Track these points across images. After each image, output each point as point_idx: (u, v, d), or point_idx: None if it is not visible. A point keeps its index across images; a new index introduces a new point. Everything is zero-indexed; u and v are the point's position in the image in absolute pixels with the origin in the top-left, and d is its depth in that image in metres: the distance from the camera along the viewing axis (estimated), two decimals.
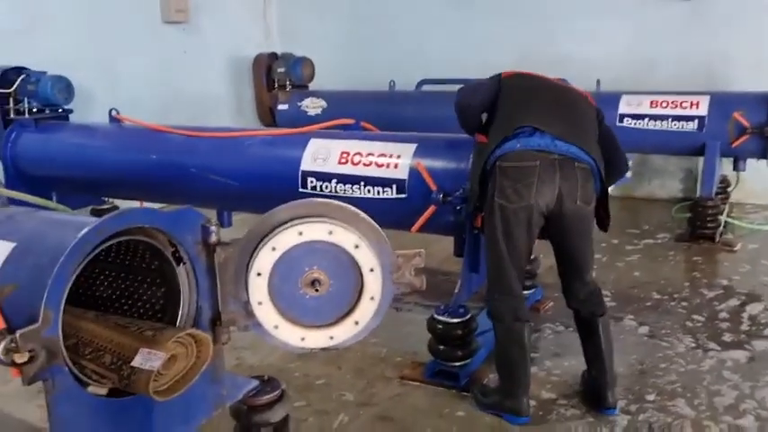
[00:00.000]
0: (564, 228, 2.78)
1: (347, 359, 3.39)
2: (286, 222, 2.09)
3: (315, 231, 2.07)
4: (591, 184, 2.75)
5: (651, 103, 5.31)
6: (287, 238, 2.06)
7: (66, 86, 4.90)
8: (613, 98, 5.44)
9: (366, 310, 2.15)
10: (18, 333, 1.66)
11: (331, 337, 2.17)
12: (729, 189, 5.66)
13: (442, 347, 3.12)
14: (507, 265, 2.77)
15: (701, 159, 5.86)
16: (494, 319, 2.86)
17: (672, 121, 5.21)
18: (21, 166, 4.68)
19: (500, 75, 3.10)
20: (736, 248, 4.96)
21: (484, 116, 3.05)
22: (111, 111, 4.61)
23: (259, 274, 2.07)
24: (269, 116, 7.09)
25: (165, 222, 2.02)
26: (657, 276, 4.47)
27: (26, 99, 4.84)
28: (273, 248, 2.07)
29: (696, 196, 5.59)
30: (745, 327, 3.68)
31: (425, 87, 6.64)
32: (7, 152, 4.75)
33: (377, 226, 2.15)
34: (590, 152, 2.74)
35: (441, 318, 3.11)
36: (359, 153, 3.53)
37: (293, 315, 2.13)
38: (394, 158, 3.42)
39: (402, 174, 3.36)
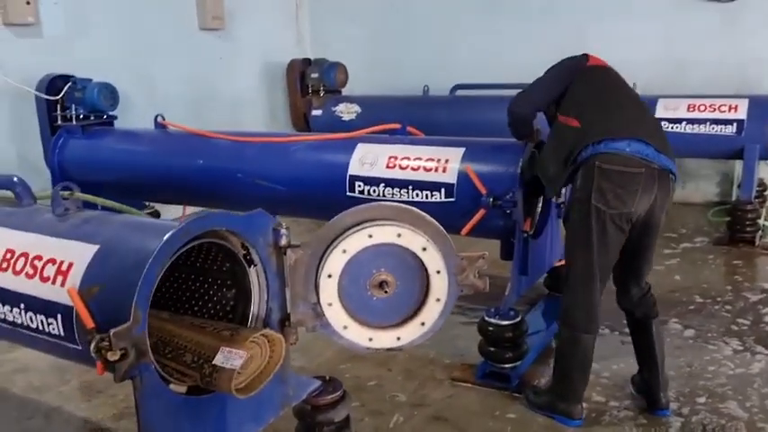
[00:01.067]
0: (643, 235, 2.79)
1: (397, 361, 3.44)
2: (355, 225, 2.15)
3: (384, 234, 2.13)
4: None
5: (689, 106, 5.31)
6: (357, 241, 2.13)
7: (111, 93, 4.99)
8: (650, 102, 5.40)
9: (432, 311, 2.21)
10: (112, 332, 1.73)
11: (398, 338, 2.23)
12: (767, 193, 5.64)
13: (492, 349, 3.16)
14: (595, 271, 2.73)
15: (736, 163, 5.89)
16: (564, 324, 2.83)
17: (710, 124, 5.20)
18: (67, 172, 4.77)
19: (585, 57, 3.06)
20: None
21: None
22: (156, 117, 4.71)
23: (330, 276, 2.14)
24: (302, 121, 7.16)
25: (239, 225, 2.09)
26: (698, 280, 4.46)
27: (73, 106, 4.94)
28: (344, 251, 2.13)
29: (732, 200, 5.61)
30: None
31: (459, 92, 6.67)
32: (55, 158, 4.87)
33: (442, 229, 2.21)
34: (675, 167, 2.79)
35: (491, 320, 3.15)
36: (406, 157, 3.58)
37: (361, 316, 2.20)
38: (442, 162, 3.47)
39: (451, 178, 3.41)
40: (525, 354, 3.20)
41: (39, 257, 2.08)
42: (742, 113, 5.12)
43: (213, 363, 1.93)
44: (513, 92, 6.61)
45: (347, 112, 6.80)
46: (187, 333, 2.08)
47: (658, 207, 2.73)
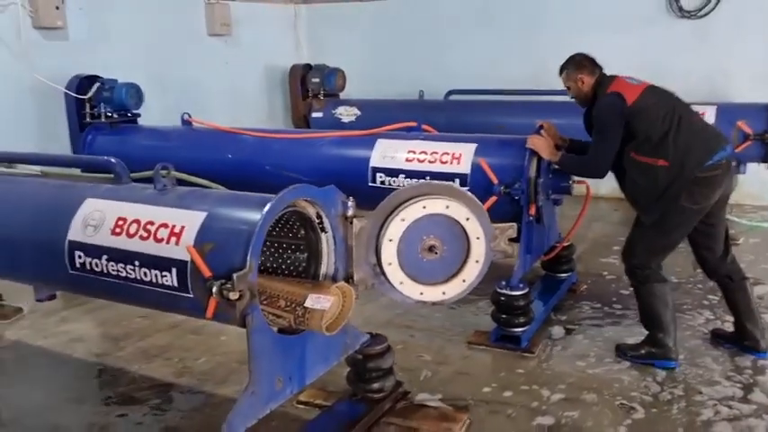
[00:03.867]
0: (718, 210, 3.39)
1: (417, 329, 3.92)
2: (411, 199, 2.62)
3: (436, 206, 2.62)
4: None
5: None
6: (413, 211, 2.61)
7: (137, 92, 5.39)
8: None
9: (472, 271, 2.70)
10: (235, 276, 2.17)
11: (443, 293, 2.71)
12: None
13: (504, 316, 3.65)
14: (666, 251, 3.44)
15: None
16: (640, 283, 3.41)
17: None
18: None
19: (620, 100, 3.35)
20: (739, 242, 5.54)
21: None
22: (183, 114, 5.11)
23: (390, 240, 2.61)
24: (303, 123, 7.59)
25: (319, 196, 2.54)
26: (673, 264, 5.00)
27: (102, 104, 5.31)
28: (403, 219, 2.61)
29: None
30: None
31: (453, 97, 7.19)
32: (84, 153, 5.23)
33: (481, 204, 2.70)
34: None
35: (503, 291, 3.64)
36: (424, 151, 4.06)
37: (414, 274, 2.68)
38: (456, 156, 3.96)
39: (465, 169, 3.90)
40: (533, 319, 3.70)
41: (151, 223, 2.50)
42: (710, 118, 5.69)
43: (305, 305, 2.38)
44: (504, 98, 7.15)
45: (347, 114, 7.25)
46: (277, 285, 2.53)
47: (728, 188, 3.36)
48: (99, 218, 2.63)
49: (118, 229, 2.56)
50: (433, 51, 7.94)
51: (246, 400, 2.31)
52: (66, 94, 5.30)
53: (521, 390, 3.26)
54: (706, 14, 6.77)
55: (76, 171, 3.80)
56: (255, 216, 2.30)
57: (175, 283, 2.41)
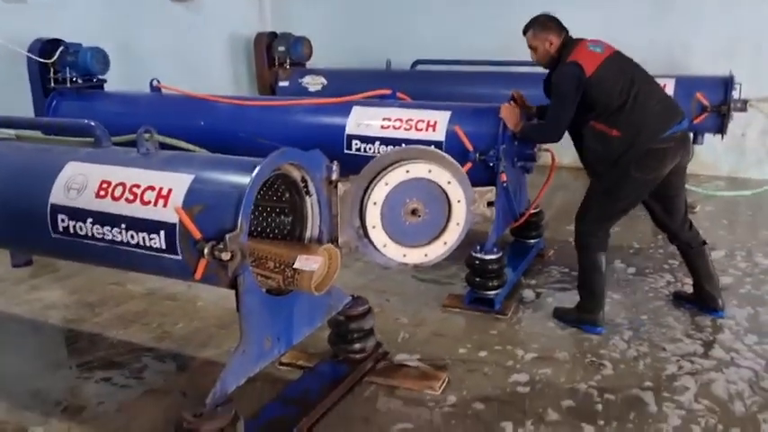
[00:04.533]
0: (673, 180, 3.49)
1: (393, 294, 4.01)
2: (395, 163, 2.68)
3: (418, 170, 2.68)
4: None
5: None
6: (397, 175, 2.67)
7: (103, 57, 5.27)
8: None
9: (453, 233, 2.78)
10: (228, 236, 2.21)
11: (425, 255, 2.79)
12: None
13: (478, 279, 3.76)
14: (615, 218, 3.58)
15: None
16: (583, 249, 3.55)
17: None
18: None
19: (579, 70, 3.38)
20: (696, 210, 5.77)
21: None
22: (152, 81, 5.04)
23: (374, 204, 2.67)
24: (269, 91, 7.53)
25: (304, 160, 2.58)
26: (635, 231, 5.21)
27: (66, 69, 5.19)
28: (386, 183, 2.67)
29: None
30: None
31: (419, 67, 7.22)
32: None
33: (461, 167, 2.77)
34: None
35: (478, 255, 3.74)
36: (399, 119, 4.11)
37: (397, 237, 2.75)
38: (431, 123, 4.02)
39: (440, 136, 3.96)
40: (506, 282, 3.82)
41: (137, 186, 2.49)
42: (669, 90, 5.86)
43: (294, 267, 2.42)
44: (470, 68, 7.21)
45: (313, 83, 7.21)
46: (265, 247, 2.56)
47: (683, 159, 3.47)
48: (82, 181, 2.61)
49: (102, 192, 2.55)
50: (400, 21, 7.94)
51: (238, 359, 2.36)
52: (28, 58, 5.16)
53: (495, 350, 3.37)
54: None
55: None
56: (245, 178, 2.32)
57: (163, 246, 2.43)
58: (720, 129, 5.74)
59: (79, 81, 5.31)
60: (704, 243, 3.76)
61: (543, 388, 3.02)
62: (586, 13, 7.04)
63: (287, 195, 2.73)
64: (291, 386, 2.92)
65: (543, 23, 3.71)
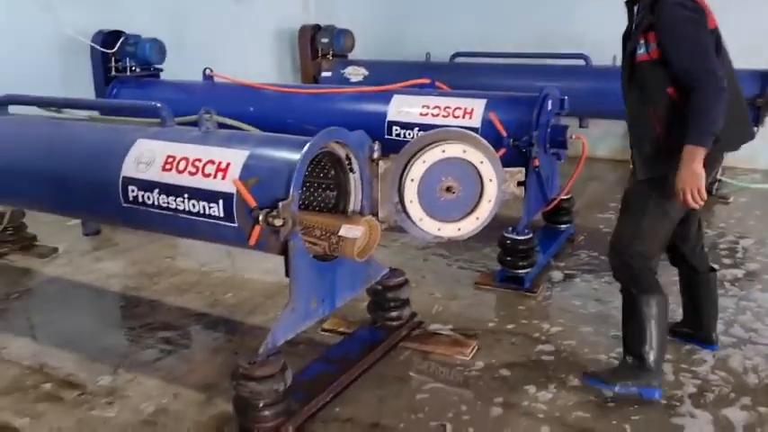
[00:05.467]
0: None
1: (429, 272, 4.25)
2: (432, 143, 2.91)
3: (454, 150, 2.90)
4: None
5: None
6: (434, 154, 2.89)
7: (160, 48, 5.61)
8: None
9: (485, 210, 3.00)
10: (281, 204, 2.47)
11: (459, 229, 3.02)
12: None
13: (509, 258, 3.97)
14: (664, 239, 2.88)
15: None
16: (639, 288, 2.85)
17: None
18: None
19: (705, 21, 2.63)
20: (729, 201, 5.87)
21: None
22: (205, 69, 5.36)
23: (412, 180, 2.91)
24: (312, 81, 7.79)
25: (349, 139, 2.83)
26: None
27: (127, 58, 5.54)
28: (424, 161, 2.90)
29: None
30: (739, 255, 4.61)
31: (458, 59, 7.42)
32: None
33: (493, 149, 2.99)
34: None
35: (510, 235, 3.96)
36: (437, 106, 4.34)
37: (432, 212, 2.98)
38: (468, 110, 4.24)
39: (476, 123, 4.18)
40: (535, 263, 4.02)
41: (198, 160, 2.78)
42: None
43: (339, 234, 2.68)
44: (507, 61, 7.37)
45: (355, 74, 7.47)
46: (312, 217, 2.83)
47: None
48: (150, 156, 2.91)
49: (168, 166, 2.85)
50: (440, 14, 8.14)
51: (287, 316, 2.63)
52: (91, 47, 5.53)
53: (522, 323, 3.59)
54: None
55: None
56: (296, 153, 2.59)
57: (221, 214, 2.70)
58: (755, 121, 5.82)
59: (137, 70, 5.66)
60: (713, 269, 3.24)
61: (567, 357, 3.23)
62: (620, 7, 7.16)
63: (332, 172, 2.98)
64: (334, 348, 3.18)
65: None
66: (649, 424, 2.71)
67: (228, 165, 2.72)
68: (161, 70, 5.76)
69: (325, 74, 7.67)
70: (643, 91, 2.75)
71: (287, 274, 2.76)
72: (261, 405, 2.48)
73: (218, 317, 3.68)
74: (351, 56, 8.00)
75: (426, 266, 4.35)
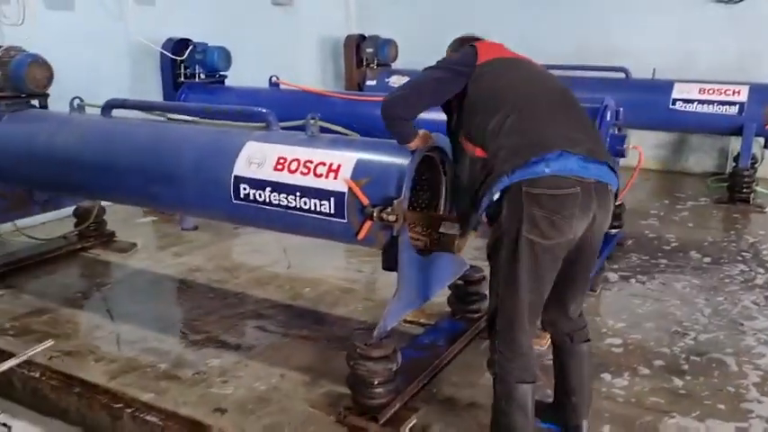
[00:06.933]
0: (575, 261, 2.41)
1: None
2: None
3: None
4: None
5: (700, 90, 6.44)
6: None
7: (226, 56, 5.93)
8: (667, 85, 6.58)
9: None
10: (395, 202, 2.75)
11: None
12: (757, 165, 6.81)
13: None
14: (524, 314, 2.34)
15: (731, 139, 7.13)
16: (496, 377, 2.43)
17: (717, 105, 6.34)
18: None
19: (473, 54, 2.63)
20: (766, 210, 6.12)
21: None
22: (271, 77, 5.66)
23: None
24: (357, 90, 8.11)
25: (444, 144, 3.09)
26: (708, 226, 5.62)
27: (195, 65, 5.85)
28: None
29: (727, 171, 6.81)
30: None
31: None
32: None
33: None
34: (614, 168, 2.35)
35: None
36: None
37: None
38: None
39: None
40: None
41: (309, 161, 3.06)
42: (743, 97, 6.26)
43: (440, 231, 2.96)
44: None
45: (399, 83, 7.75)
46: (413, 214, 3.10)
47: (597, 227, 2.36)
48: (261, 157, 3.19)
49: (279, 166, 3.12)
50: (478, 26, 8.39)
51: (395, 304, 2.90)
52: (161, 54, 5.84)
53: (588, 319, 3.83)
54: (739, 1, 7.25)
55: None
56: (406, 155, 2.86)
57: (332, 211, 2.98)
58: None
59: (202, 76, 5.97)
60: (588, 340, 2.68)
61: (635, 349, 3.48)
62: (661, 19, 7.45)
63: (426, 175, 3.26)
64: (421, 337, 3.45)
65: None
66: (720, 407, 2.96)
67: (339, 166, 2.99)
68: (225, 77, 6.07)
69: (369, 82, 7.97)
70: None
71: (385, 267, 3.04)
72: (375, 383, 2.75)
73: (302, 308, 3.95)
74: (393, 65, 8.30)
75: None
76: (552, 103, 2.50)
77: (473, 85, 2.56)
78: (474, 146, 2.49)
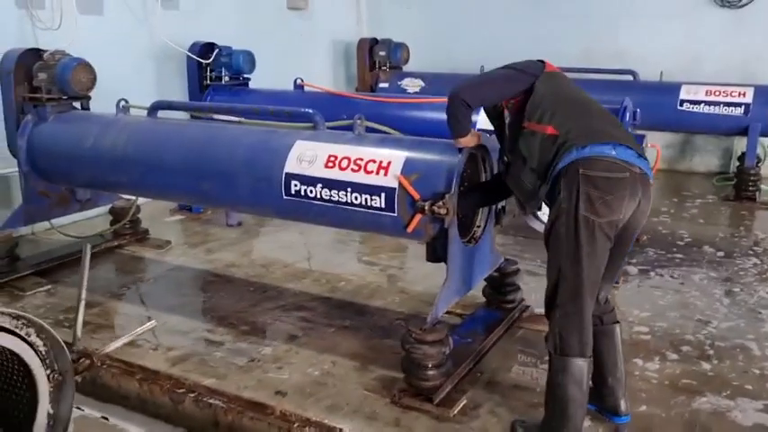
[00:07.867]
0: (619, 242, 2.64)
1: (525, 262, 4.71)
2: None
3: None
4: None
5: (706, 91, 6.66)
6: None
7: (251, 59, 6.08)
8: (675, 87, 6.81)
9: None
10: (447, 196, 2.93)
11: None
12: (760, 164, 7.04)
13: None
14: (585, 285, 2.52)
15: (735, 139, 7.36)
16: (558, 351, 2.58)
17: (723, 106, 6.56)
18: None
19: (542, 64, 2.89)
20: None
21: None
22: (296, 79, 5.83)
23: None
24: (370, 92, 8.29)
25: (488, 142, 3.28)
26: (718, 223, 5.84)
27: (221, 68, 6.01)
28: None
29: (731, 170, 7.05)
30: None
31: None
32: None
33: None
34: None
35: None
36: None
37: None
38: None
39: None
40: None
41: (360, 159, 3.24)
42: (749, 98, 6.49)
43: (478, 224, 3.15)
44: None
45: (412, 85, 7.97)
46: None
47: (640, 213, 2.62)
48: (311, 155, 3.37)
49: (330, 164, 3.30)
50: (489, 28, 8.64)
51: (445, 292, 3.08)
52: (188, 57, 5.99)
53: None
54: (744, 5, 7.49)
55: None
56: (453, 152, 3.05)
57: (383, 205, 3.16)
58: None
59: (226, 78, 6.13)
60: (617, 322, 2.89)
61: (662, 336, 3.68)
62: (668, 24, 7.68)
63: (468, 171, 3.44)
64: (462, 325, 3.63)
65: None
66: (748, 387, 3.15)
67: (389, 163, 3.17)
68: (249, 79, 6.23)
69: (382, 84, 8.16)
70: None
71: (430, 259, 3.24)
72: (429, 365, 2.93)
73: (341, 300, 4.13)
74: (404, 68, 8.49)
75: (522, 256, 4.75)
76: (598, 108, 2.86)
77: (542, 84, 2.80)
78: (545, 125, 2.69)
